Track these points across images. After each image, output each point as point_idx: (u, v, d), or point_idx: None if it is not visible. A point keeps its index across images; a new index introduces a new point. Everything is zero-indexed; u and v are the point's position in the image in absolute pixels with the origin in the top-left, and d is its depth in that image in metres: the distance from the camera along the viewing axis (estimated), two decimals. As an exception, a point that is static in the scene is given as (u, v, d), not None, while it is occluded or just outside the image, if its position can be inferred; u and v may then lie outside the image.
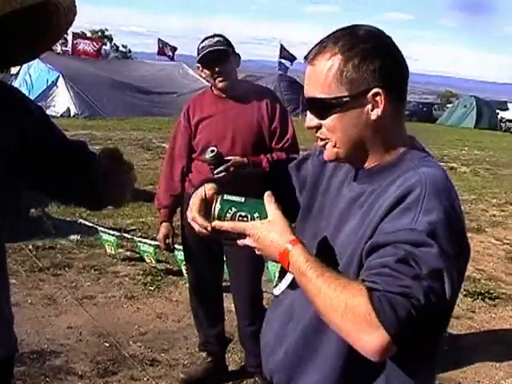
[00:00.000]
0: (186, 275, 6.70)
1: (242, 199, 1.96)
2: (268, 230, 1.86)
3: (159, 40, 39.07)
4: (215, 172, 4.65)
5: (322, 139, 1.97)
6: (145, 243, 7.64)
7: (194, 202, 2.04)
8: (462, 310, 7.06)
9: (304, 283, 1.79)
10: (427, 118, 50.04)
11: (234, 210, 1.94)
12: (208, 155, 4.63)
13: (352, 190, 2.01)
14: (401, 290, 1.64)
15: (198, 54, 4.73)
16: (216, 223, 1.94)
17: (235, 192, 1.97)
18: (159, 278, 7.44)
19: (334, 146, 1.95)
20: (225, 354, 5.41)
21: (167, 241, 5.22)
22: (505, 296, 7.79)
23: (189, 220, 2.06)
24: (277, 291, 2.00)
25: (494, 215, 12.86)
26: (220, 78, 4.72)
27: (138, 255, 7.91)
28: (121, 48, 77.64)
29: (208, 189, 2.07)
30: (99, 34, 71.62)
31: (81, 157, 2.68)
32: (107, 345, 5.62)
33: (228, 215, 1.94)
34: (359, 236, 1.86)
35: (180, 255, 6.80)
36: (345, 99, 1.87)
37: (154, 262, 7.54)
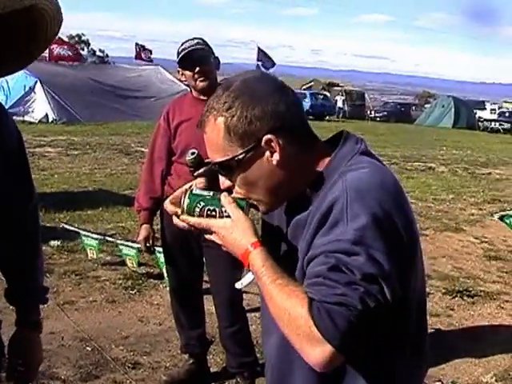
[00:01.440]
0: (166, 278, 6.73)
1: (211, 193, 1.96)
2: (231, 230, 1.87)
3: (137, 44, 39.06)
4: (195, 175, 4.66)
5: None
6: (127, 246, 7.64)
7: (175, 195, 2.04)
8: (441, 308, 7.13)
9: (260, 287, 1.82)
10: (405, 118, 50.32)
11: (202, 204, 1.94)
12: (188, 157, 4.62)
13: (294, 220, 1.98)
14: (336, 299, 1.64)
15: (178, 56, 4.76)
16: (183, 217, 1.95)
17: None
18: (140, 281, 7.46)
19: (257, 201, 1.97)
20: (206, 356, 5.44)
21: (148, 243, 5.24)
22: (483, 294, 7.87)
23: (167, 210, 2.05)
24: (238, 285, 2.02)
25: (473, 214, 12.95)
26: (200, 78, 4.75)
27: (118, 259, 7.92)
28: (98, 52, 77.37)
29: (197, 183, 2.09)
30: (76, 38, 71.36)
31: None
32: (89, 349, 5.63)
33: (197, 209, 1.94)
34: (300, 254, 1.87)
35: (162, 258, 6.81)
36: (241, 156, 1.88)
37: (135, 265, 7.53)
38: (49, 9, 2.15)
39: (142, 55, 38.93)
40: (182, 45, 4.81)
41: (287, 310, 1.71)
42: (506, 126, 50.70)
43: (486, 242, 10.58)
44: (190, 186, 2.03)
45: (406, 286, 1.81)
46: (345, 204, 1.73)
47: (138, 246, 7.58)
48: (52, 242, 8.37)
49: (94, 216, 10.55)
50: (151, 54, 39.70)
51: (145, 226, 5.20)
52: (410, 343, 1.97)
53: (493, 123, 52.20)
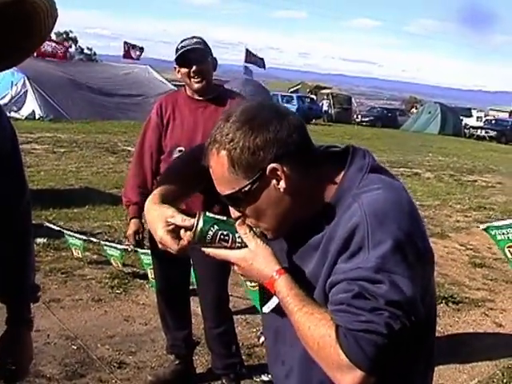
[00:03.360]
0: (151, 279, 6.73)
1: (224, 218, 1.95)
2: (251, 260, 1.90)
3: (125, 43, 38.98)
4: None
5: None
6: (111, 247, 7.62)
7: (168, 224, 2.03)
8: (426, 314, 7.16)
9: (287, 313, 1.84)
10: (392, 123, 50.44)
11: (216, 227, 1.92)
12: (176, 155, 4.61)
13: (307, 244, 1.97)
14: (362, 327, 1.66)
15: (176, 53, 4.74)
16: (204, 250, 1.95)
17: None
18: (126, 281, 7.46)
19: (267, 230, 1.97)
20: (192, 357, 5.43)
21: (137, 237, 5.18)
22: (468, 300, 7.91)
23: (156, 239, 2.05)
24: (266, 309, 2.02)
25: (458, 221, 13.00)
26: (196, 79, 4.73)
27: (104, 258, 7.88)
28: (86, 50, 77.26)
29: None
30: (64, 36, 71.21)
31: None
32: (75, 347, 5.62)
33: (210, 233, 1.92)
34: (320, 278, 1.87)
35: (146, 259, 6.81)
36: (247, 188, 1.88)
37: (120, 265, 7.53)
38: (41, 2, 2.07)
39: (131, 54, 38.86)
40: (181, 42, 4.78)
41: (315, 339, 1.75)
42: (492, 133, 50.91)
43: (471, 249, 10.63)
44: (201, 212, 1.98)
45: (425, 304, 1.83)
46: (366, 231, 1.74)
47: (122, 246, 7.60)
48: (38, 240, 8.31)
49: (80, 214, 10.52)
50: (142, 51, 39.58)
51: (134, 220, 5.11)
52: (424, 356, 2.02)
53: (479, 130, 52.43)
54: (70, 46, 58.91)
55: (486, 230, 5.25)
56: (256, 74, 46.62)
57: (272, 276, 1.86)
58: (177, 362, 5.30)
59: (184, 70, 4.75)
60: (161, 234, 2.01)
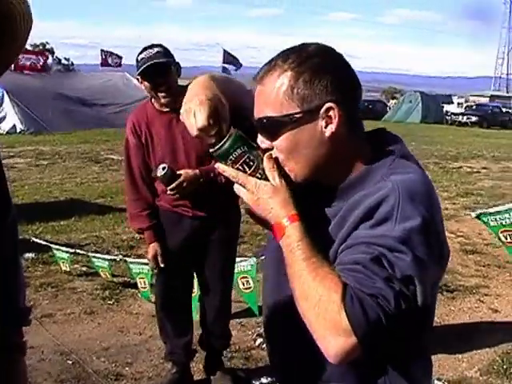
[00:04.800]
0: (141, 289, 6.69)
1: (254, 144, 1.86)
2: (270, 195, 1.80)
3: (102, 51, 38.86)
4: (168, 189, 4.60)
5: None
6: (99, 258, 7.54)
7: (204, 121, 1.90)
8: (422, 305, 7.13)
9: (290, 261, 1.75)
10: (373, 115, 50.54)
11: (245, 148, 1.82)
12: (159, 173, 4.54)
13: (323, 211, 1.92)
14: (372, 291, 1.62)
15: (138, 66, 4.63)
16: (219, 166, 1.84)
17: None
18: (117, 291, 7.39)
19: (291, 171, 1.87)
20: (190, 365, 5.40)
21: (158, 261, 5.00)
22: (462, 288, 7.89)
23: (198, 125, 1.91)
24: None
25: (446, 208, 12.96)
26: (162, 94, 4.65)
27: (94, 270, 7.79)
28: (63, 61, 77.08)
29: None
30: (40, 47, 71.03)
31: None
32: (70, 362, 5.56)
33: (235, 153, 1.81)
34: (335, 243, 1.81)
35: (135, 269, 6.77)
36: (297, 115, 1.80)
37: (109, 276, 7.45)
38: (18, 5, 1.94)
39: (109, 61, 38.75)
40: (140, 53, 4.67)
41: (319, 291, 1.67)
42: (474, 118, 51.13)
43: (461, 237, 10.61)
44: (235, 129, 1.87)
45: (433, 294, 1.84)
46: (396, 203, 1.71)
47: (110, 257, 7.55)
48: (26, 255, 8.26)
49: (67, 226, 10.45)
50: (121, 59, 39.50)
51: (152, 244, 4.99)
52: (421, 346, 2.00)
53: (460, 117, 52.63)
54: (48, 58, 58.83)
55: (478, 217, 5.23)
56: (235, 73, 46.60)
57: (285, 218, 1.78)
58: (174, 370, 5.26)
59: (147, 83, 4.66)
60: (203, 119, 1.90)
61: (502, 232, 5.17)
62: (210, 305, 5.24)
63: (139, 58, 4.64)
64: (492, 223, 5.18)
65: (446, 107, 56.98)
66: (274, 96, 1.82)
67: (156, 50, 4.63)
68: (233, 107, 1.99)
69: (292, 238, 1.75)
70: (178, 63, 4.75)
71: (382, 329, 1.63)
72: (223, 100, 1.91)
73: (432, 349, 5.78)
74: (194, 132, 1.90)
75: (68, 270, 7.79)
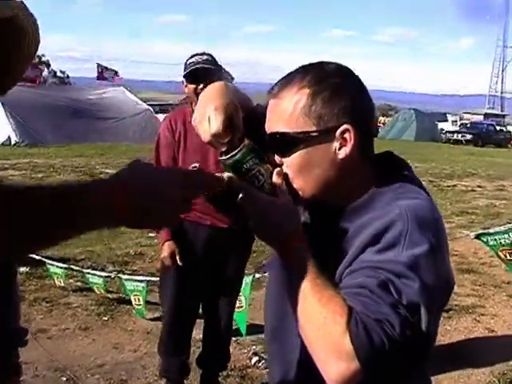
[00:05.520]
0: (135, 305, 6.65)
1: (265, 157, 1.80)
2: (277, 212, 1.73)
3: (98, 65, 38.93)
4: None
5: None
6: (94, 275, 7.50)
7: (220, 127, 1.84)
8: (418, 324, 7.12)
9: (293, 281, 1.71)
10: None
11: (256, 161, 1.77)
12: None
13: (328, 232, 1.88)
14: (378, 317, 1.59)
15: (185, 69, 4.83)
16: (227, 175, 1.75)
17: None
18: (112, 307, 7.35)
19: (301, 190, 1.84)
20: (184, 383, 5.37)
21: (175, 258, 4.98)
22: (458, 308, 7.86)
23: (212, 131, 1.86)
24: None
25: (441, 227, 12.98)
26: None
27: (88, 285, 7.76)
28: (59, 73, 77.18)
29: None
30: (36, 60, 71.12)
31: None
32: (64, 379, 5.53)
33: (249, 163, 1.76)
34: (339, 267, 1.77)
35: (130, 286, 6.74)
36: (312, 134, 1.78)
37: (103, 292, 7.41)
38: (29, 24, 1.96)
39: (105, 75, 38.79)
40: (190, 57, 4.89)
41: (323, 314, 1.63)
42: (468, 136, 51.31)
43: (457, 255, 10.57)
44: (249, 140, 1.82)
45: (437, 321, 1.80)
46: (405, 229, 1.68)
47: (105, 274, 7.51)
48: (21, 269, 8.21)
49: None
50: (117, 74, 39.54)
51: (168, 242, 4.97)
52: (422, 368, 1.97)
53: (455, 134, 52.81)
54: (43, 70, 58.94)
55: (477, 237, 5.25)
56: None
57: (291, 236, 1.73)
58: None
59: (192, 86, 4.81)
60: (218, 125, 1.84)
61: (501, 251, 5.19)
62: (215, 325, 5.28)
63: (188, 62, 4.87)
64: (491, 243, 5.21)
65: (441, 125, 57.11)
66: (290, 111, 1.79)
67: (205, 57, 4.88)
68: (245, 117, 1.95)
69: (297, 258, 1.72)
70: (229, 73, 4.90)
71: (385, 354, 1.59)
72: (238, 108, 1.87)
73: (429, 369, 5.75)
74: (207, 137, 1.86)
75: (62, 285, 7.73)
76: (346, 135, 1.77)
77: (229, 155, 1.77)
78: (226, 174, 1.77)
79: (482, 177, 24.79)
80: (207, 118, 1.83)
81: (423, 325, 1.64)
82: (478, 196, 18.85)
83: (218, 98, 1.85)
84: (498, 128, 56.96)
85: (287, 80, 1.84)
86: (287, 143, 1.80)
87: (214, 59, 4.90)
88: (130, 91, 36.98)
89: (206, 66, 4.79)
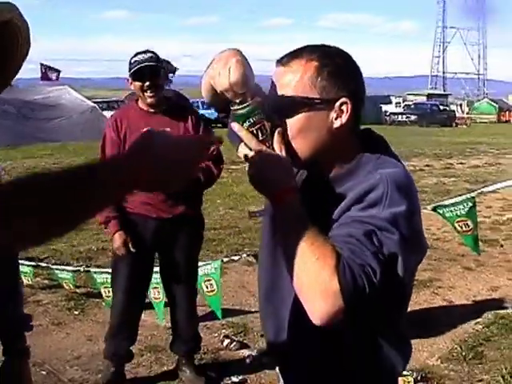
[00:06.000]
0: (106, 298, 6.75)
1: (271, 117, 2.00)
2: (276, 164, 1.95)
3: (42, 64, 38.45)
4: None
5: None
6: (62, 270, 7.58)
7: (241, 77, 1.96)
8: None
9: (287, 227, 1.91)
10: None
11: (262, 116, 1.97)
12: None
13: (313, 197, 2.07)
14: (362, 262, 1.79)
15: (130, 68, 4.96)
16: (235, 125, 1.98)
17: None
18: (82, 301, 7.47)
19: (294, 153, 2.04)
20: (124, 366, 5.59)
21: (127, 247, 5.14)
22: (416, 282, 8.00)
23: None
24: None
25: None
26: (150, 94, 4.96)
27: (56, 282, 7.83)
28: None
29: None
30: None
31: None
32: (44, 373, 5.63)
33: (256, 117, 1.96)
34: (327, 227, 1.97)
35: (99, 278, 6.83)
36: (315, 101, 1.99)
37: (72, 287, 7.50)
38: (22, 27, 2.01)
39: (49, 75, 38.39)
40: (134, 56, 5.00)
41: (315, 256, 1.81)
42: (413, 117, 51.92)
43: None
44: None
45: (411, 278, 2.10)
46: (385, 191, 1.89)
47: (73, 268, 7.60)
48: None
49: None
50: (59, 73, 39.16)
51: (118, 233, 5.13)
52: (398, 330, 2.23)
53: (399, 116, 53.35)
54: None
55: (434, 210, 5.48)
56: (170, 81, 46.49)
57: (288, 187, 1.93)
58: (113, 369, 5.44)
59: (138, 83, 4.97)
60: (238, 75, 1.96)
61: (457, 222, 5.41)
62: (179, 309, 5.48)
63: (132, 61, 4.98)
64: (448, 214, 5.43)
65: (385, 107, 57.50)
66: (298, 78, 2.00)
67: (149, 54, 5.00)
68: None
69: (292, 206, 1.91)
70: (165, 70, 5.04)
71: (366, 296, 1.80)
72: (252, 72, 2.03)
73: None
74: (225, 84, 1.97)
75: (30, 283, 7.79)
76: (344, 107, 2.00)
77: (240, 106, 1.96)
78: (233, 124, 1.99)
79: (429, 156, 25.26)
80: (227, 68, 1.95)
81: (400, 273, 1.87)
82: (427, 175, 19.30)
83: (239, 55, 1.99)
84: (441, 108, 57.69)
85: (296, 53, 2.05)
86: (292, 105, 2.01)
87: (157, 56, 5.06)
88: (74, 89, 36.75)
89: (150, 63, 4.94)
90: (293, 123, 2.01)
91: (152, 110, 5.06)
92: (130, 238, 5.12)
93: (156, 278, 5.80)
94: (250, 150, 1.96)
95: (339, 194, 2.03)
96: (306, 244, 1.84)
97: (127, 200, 5.00)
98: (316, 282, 1.80)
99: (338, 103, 2.00)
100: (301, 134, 2.02)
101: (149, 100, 4.99)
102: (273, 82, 2.07)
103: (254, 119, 1.95)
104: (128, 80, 5.05)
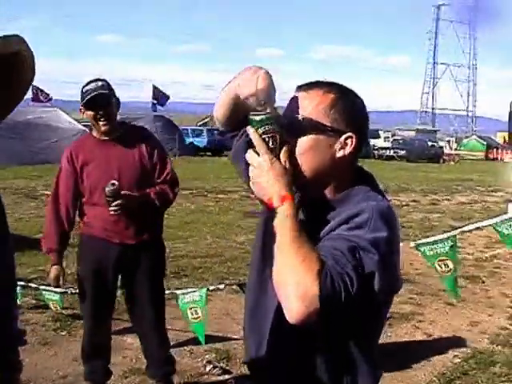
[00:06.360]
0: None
1: (283, 132, 2.17)
2: (279, 173, 2.11)
3: (33, 86, 38.58)
4: (111, 205, 5.00)
5: None
6: (50, 291, 7.66)
7: (266, 87, 2.16)
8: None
9: (279, 230, 2.06)
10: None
11: (277, 128, 2.14)
12: (108, 188, 4.93)
13: (305, 216, 2.29)
14: (343, 272, 1.97)
15: (82, 97, 5.04)
16: (250, 128, 2.15)
17: None
18: (68, 322, 7.56)
19: (298, 173, 2.21)
20: None
21: (58, 282, 5.51)
22: (398, 315, 8.22)
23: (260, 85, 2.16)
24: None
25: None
26: (103, 122, 5.07)
27: (43, 303, 7.92)
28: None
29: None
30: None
31: None
32: (30, 391, 5.69)
33: (270, 126, 2.13)
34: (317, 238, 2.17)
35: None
36: (326, 127, 2.20)
37: (59, 308, 7.58)
38: (28, 56, 2.21)
39: (40, 97, 38.55)
40: (86, 85, 5.08)
41: (302, 258, 1.98)
42: (401, 152, 52.09)
43: (395, 267, 10.99)
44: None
45: (387, 301, 2.30)
46: (370, 217, 2.09)
47: (61, 290, 7.66)
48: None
49: (11, 261, 10.44)
50: (49, 97, 39.40)
51: (56, 266, 5.43)
52: (371, 355, 2.43)
53: (388, 151, 53.51)
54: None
55: (416, 247, 5.56)
56: (160, 109, 46.62)
57: (285, 195, 2.08)
58: None
59: (90, 112, 5.07)
60: (265, 84, 2.16)
61: (438, 262, 5.48)
62: (147, 333, 5.61)
63: (84, 90, 5.05)
64: (429, 253, 5.50)
65: (373, 141, 57.67)
66: (314, 105, 2.22)
67: (100, 83, 5.08)
68: None
69: (287, 211, 2.07)
70: (118, 98, 5.21)
71: (341, 303, 1.97)
72: (275, 89, 2.21)
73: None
74: (252, 89, 2.17)
75: (19, 303, 7.87)
76: (348, 141, 2.23)
77: (259, 112, 2.14)
78: (248, 128, 2.16)
79: (416, 191, 25.43)
80: (256, 77, 2.16)
81: (376, 289, 2.05)
82: (413, 210, 19.47)
83: (267, 71, 2.18)
84: (430, 143, 57.95)
85: (317, 83, 2.28)
86: (305, 126, 2.21)
87: (108, 84, 5.15)
88: (64, 112, 36.85)
89: (102, 91, 5.03)
90: (302, 142, 2.21)
91: (106, 138, 5.18)
92: (63, 273, 5.49)
93: (186, 297, 6.07)
94: (258, 155, 2.13)
95: (328, 216, 2.21)
96: (295, 246, 2.01)
97: (91, 225, 5.24)
98: (298, 283, 1.95)
99: (344, 136, 2.22)
100: (307, 153, 2.21)
101: (102, 128, 5.10)
102: (289, 104, 2.27)
103: (268, 127, 2.13)
104: (81, 109, 5.16)
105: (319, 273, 1.94)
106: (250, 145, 2.18)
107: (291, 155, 2.18)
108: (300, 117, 2.21)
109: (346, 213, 2.15)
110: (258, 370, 2.54)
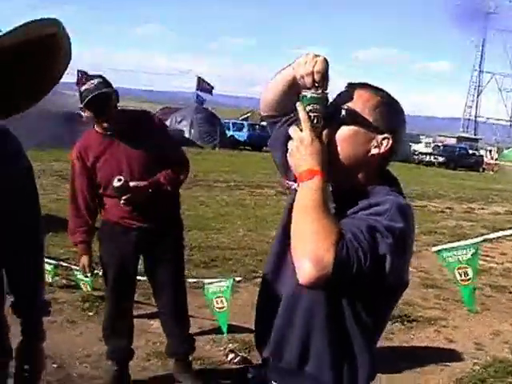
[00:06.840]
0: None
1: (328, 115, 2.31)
2: (317, 149, 2.24)
3: (79, 71, 38.99)
4: (122, 199, 5.18)
5: None
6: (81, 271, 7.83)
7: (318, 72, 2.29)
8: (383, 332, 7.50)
9: (307, 199, 2.19)
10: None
11: (325, 109, 2.28)
12: (115, 184, 5.08)
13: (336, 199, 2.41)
14: (358, 247, 2.09)
15: (81, 98, 5.07)
16: (299, 104, 2.29)
17: None
18: (97, 303, 7.70)
19: (330, 160, 2.32)
20: (129, 364, 5.84)
21: (88, 270, 5.74)
22: (422, 319, 8.32)
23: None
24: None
25: (409, 245, 13.31)
26: (104, 124, 5.18)
27: (73, 283, 8.13)
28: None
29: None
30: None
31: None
32: (55, 366, 5.87)
33: (319, 106, 2.28)
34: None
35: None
36: (368, 122, 2.34)
37: (90, 289, 7.76)
38: (65, 39, 2.30)
39: (83, 81, 38.84)
40: (83, 84, 5.13)
41: (324, 225, 2.12)
42: (441, 159, 51.74)
43: (422, 271, 11.04)
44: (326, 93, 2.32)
45: (396, 286, 2.39)
46: (389, 208, 2.22)
47: (94, 272, 7.86)
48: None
49: (45, 241, 10.57)
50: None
51: (84, 256, 5.63)
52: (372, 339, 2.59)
53: (428, 156, 53.20)
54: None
55: (437, 252, 5.55)
56: (207, 101, 46.74)
57: (320, 168, 2.22)
58: (115, 368, 5.70)
59: (90, 112, 5.13)
60: (322, 67, 2.30)
61: (458, 269, 5.45)
62: (166, 313, 5.77)
63: (82, 90, 5.07)
64: (450, 259, 5.47)
65: (414, 146, 57.42)
66: (361, 102, 2.37)
67: (97, 80, 5.08)
68: None
69: (317, 185, 2.20)
70: (116, 90, 5.24)
71: (352, 275, 2.09)
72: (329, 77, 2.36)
73: (388, 372, 6.15)
74: (308, 69, 2.31)
75: (50, 281, 8.02)
76: (384, 141, 2.36)
77: (310, 91, 2.28)
78: (298, 103, 2.30)
79: (452, 199, 25.29)
80: (315, 60, 2.30)
81: (386, 270, 2.15)
82: (447, 217, 19.40)
83: (325, 57, 2.33)
84: (470, 152, 57.57)
85: (367, 84, 2.45)
86: (350, 117, 2.35)
87: (106, 80, 5.15)
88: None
89: (99, 92, 5.00)
90: (343, 130, 2.35)
91: (110, 132, 5.25)
92: (89, 263, 5.67)
93: (213, 286, 6.21)
94: (301, 131, 2.27)
95: (351, 204, 2.33)
96: (320, 214, 2.14)
97: (109, 212, 5.44)
98: (315, 248, 2.07)
99: (382, 136, 2.36)
100: (345, 141, 2.35)
101: (104, 125, 5.19)
102: (338, 95, 2.42)
103: (317, 106, 2.27)
104: (81, 108, 5.18)
105: (337, 242, 2.06)
106: (294, 121, 2.36)
107: (330, 139, 2.32)
108: (347, 107, 2.35)
109: (368, 201, 2.29)
110: (266, 352, 2.66)
